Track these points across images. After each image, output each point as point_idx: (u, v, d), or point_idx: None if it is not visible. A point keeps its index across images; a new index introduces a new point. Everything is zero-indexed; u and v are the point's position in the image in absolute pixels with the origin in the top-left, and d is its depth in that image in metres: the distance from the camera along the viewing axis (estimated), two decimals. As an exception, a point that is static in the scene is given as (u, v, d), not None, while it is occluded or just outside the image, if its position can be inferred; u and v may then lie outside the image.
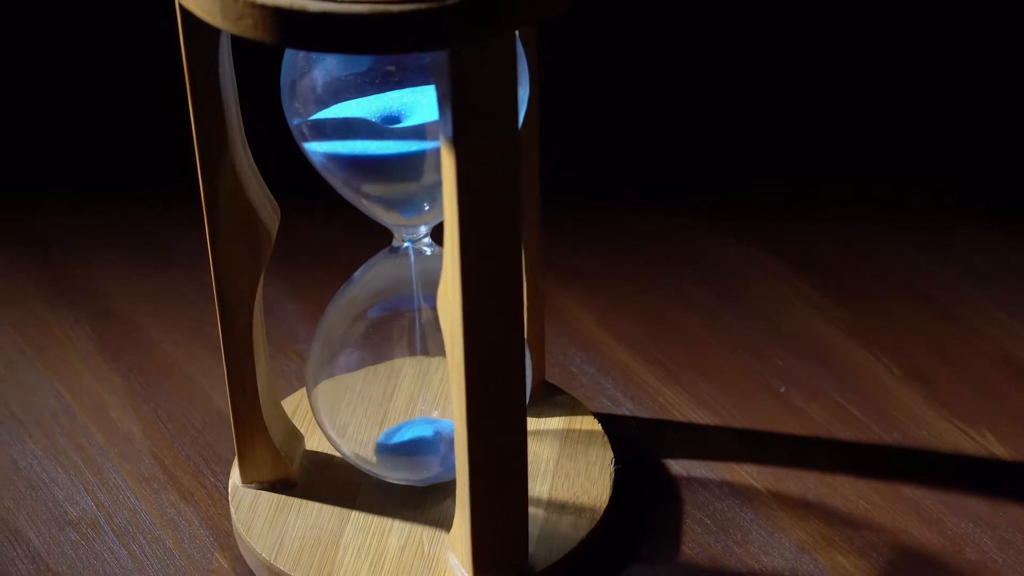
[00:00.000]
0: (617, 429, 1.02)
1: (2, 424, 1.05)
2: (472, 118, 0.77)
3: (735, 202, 1.23)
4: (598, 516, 0.94)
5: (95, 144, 1.30)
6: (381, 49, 0.75)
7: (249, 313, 0.90)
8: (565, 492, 0.96)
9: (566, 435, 1.00)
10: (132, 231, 1.21)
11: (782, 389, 1.05)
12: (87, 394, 1.07)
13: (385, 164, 0.84)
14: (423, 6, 0.73)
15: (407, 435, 0.95)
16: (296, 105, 0.84)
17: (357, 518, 0.95)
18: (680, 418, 1.04)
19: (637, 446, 1.02)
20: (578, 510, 0.95)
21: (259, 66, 0.93)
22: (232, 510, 0.96)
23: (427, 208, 0.88)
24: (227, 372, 0.93)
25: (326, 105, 0.83)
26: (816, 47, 1.40)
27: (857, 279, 1.15)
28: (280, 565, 0.92)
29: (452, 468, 0.94)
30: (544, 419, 1.01)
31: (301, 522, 0.95)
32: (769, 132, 1.30)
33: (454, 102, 0.76)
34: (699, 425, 1.03)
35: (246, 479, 0.97)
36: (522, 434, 0.87)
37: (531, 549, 0.92)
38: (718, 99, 1.34)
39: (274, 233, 0.89)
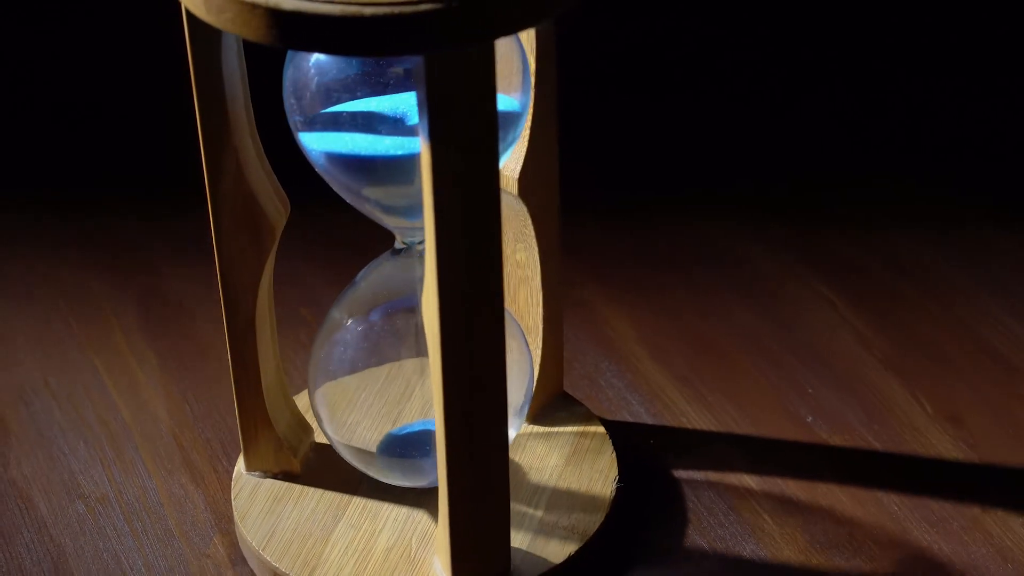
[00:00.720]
0: (631, 445, 1.01)
1: (36, 395, 1.07)
2: (448, 125, 0.77)
3: (783, 212, 1.22)
4: (590, 533, 0.93)
5: (161, 137, 1.32)
6: (352, 51, 0.75)
7: (252, 304, 0.91)
8: (562, 505, 0.95)
9: (575, 447, 0.99)
10: (193, 218, 1.23)
11: (809, 419, 1.03)
12: (122, 371, 1.09)
13: (383, 165, 0.84)
14: (394, 10, 0.73)
15: (408, 438, 0.95)
16: (293, 102, 0.84)
17: (352, 514, 0.95)
18: (698, 440, 1.02)
19: (648, 463, 1.00)
20: (571, 526, 0.94)
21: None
22: (232, 496, 0.97)
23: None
24: (231, 361, 0.93)
25: (323, 104, 0.83)
26: (854, 48, 1.37)
27: (905, 310, 1.12)
28: (267, 555, 0.93)
29: None
30: (557, 427, 1.00)
31: (297, 514, 0.95)
32: (815, 141, 1.28)
33: (430, 109, 0.76)
34: (715, 447, 1.02)
35: (250, 467, 0.98)
36: (503, 448, 0.86)
37: (517, 561, 0.91)
38: (752, 101, 1.32)
39: (279, 227, 0.89)
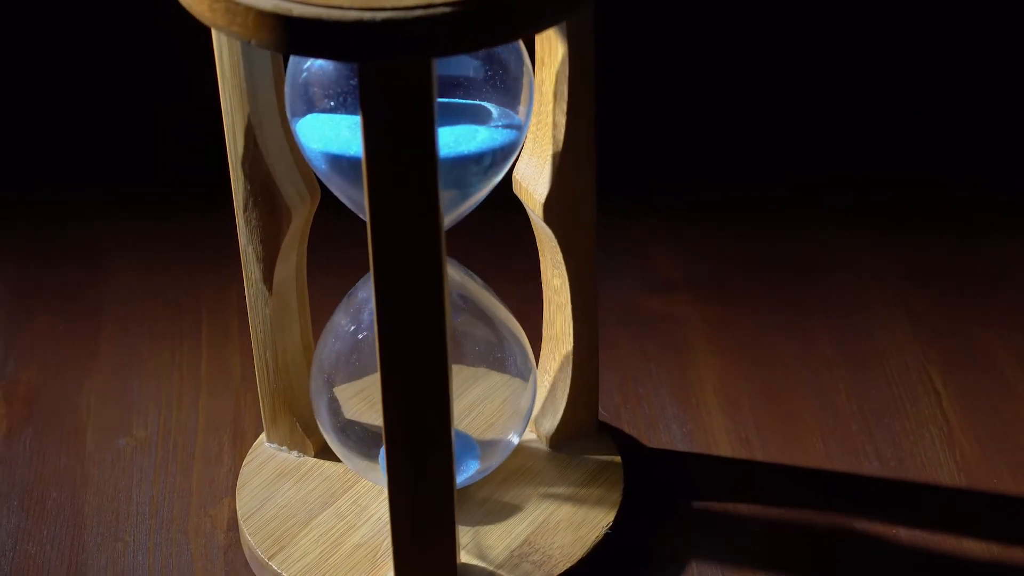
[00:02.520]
0: (648, 490, 0.98)
1: (126, 332, 1.12)
2: (382, 136, 0.76)
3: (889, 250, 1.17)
4: (555, 574, 0.91)
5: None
6: (283, 48, 0.75)
7: (269, 279, 0.93)
8: (544, 538, 0.93)
9: (587, 482, 0.97)
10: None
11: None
12: (221, 321, 1.12)
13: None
14: (322, 14, 0.73)
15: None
16: (288, 102, 0.85)
17: (342, 504, 0.96)
18: (725, 495, 0.98)
19: (657, 512, 0.97)
20: (541, 561, 0.92)
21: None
22: (244, 463, 0.99)
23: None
24: (253, 341, 0.95)
25: (315, 106, 0.84)
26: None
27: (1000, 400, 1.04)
28: (245, 527, 0.95)
29: (457, 478, 0.93)
30: (579, 456, 0.98)
31: (292, 493, 0.97)
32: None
33: (363, 117, 0.76)
34: (733, 513, 0.98)
35: (270, 439, 1.00)
36: (448, 494, 0.85)
37: (473, 583, 0.91)
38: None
39: (298, 212, 0.91)
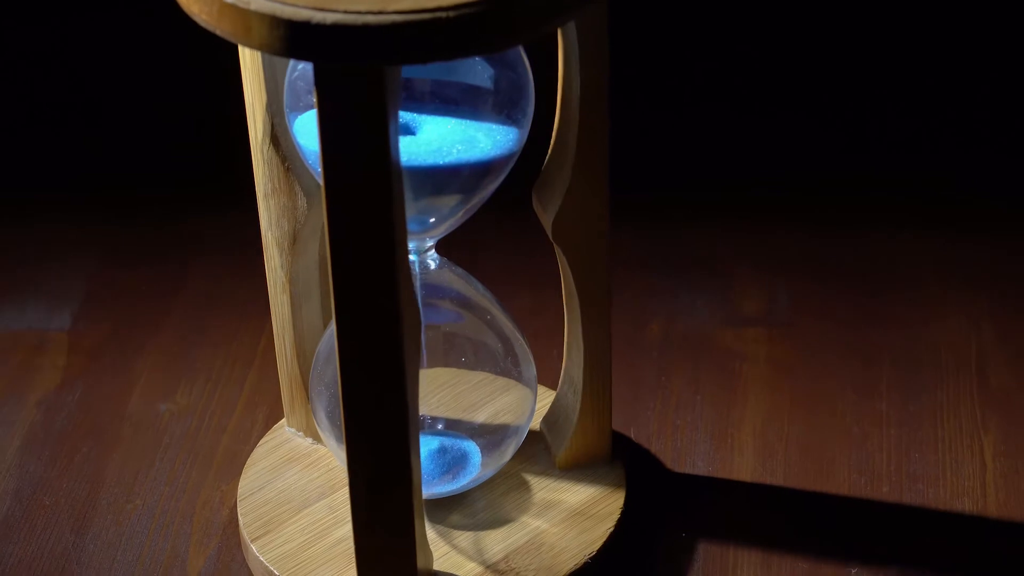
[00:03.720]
0: (647, 523, 0.96)
1: (201, 302, 1.15)
2: (337, 140, 0.76)
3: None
4: (521, 596, 0.90)
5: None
6: (243, 40, 0.75)
7: (285, 268, 0.93)
8: (523, 559, 0.92)
9: (585, 507, 0.95)
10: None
11: (853, 571, 0.94)
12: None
13: None
14: (276, 9, 0.73)
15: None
16: (286, 99, 0.86)
17: (338, 497, 0.96)
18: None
19: (649, 548, 0.95)
20: (511, 584, 0.91)
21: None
22: (259, 444, 1.00)
23: (432, 221, 0.87)
24: (273, 326, 0.97)
25: (306, 104, 0.84)
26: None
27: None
28: (239, 507, 0.96)
29: (455, 483, 0.94)
30: (578, 483, 0.96)
31: (295, 479, 0.97)
32: None
33: (319, 119, 0.76)
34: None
35: (290, 423, 1.01)
36: (406, 482, 0.85)
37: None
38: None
39: (314, 203, 0.91)
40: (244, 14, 0.74)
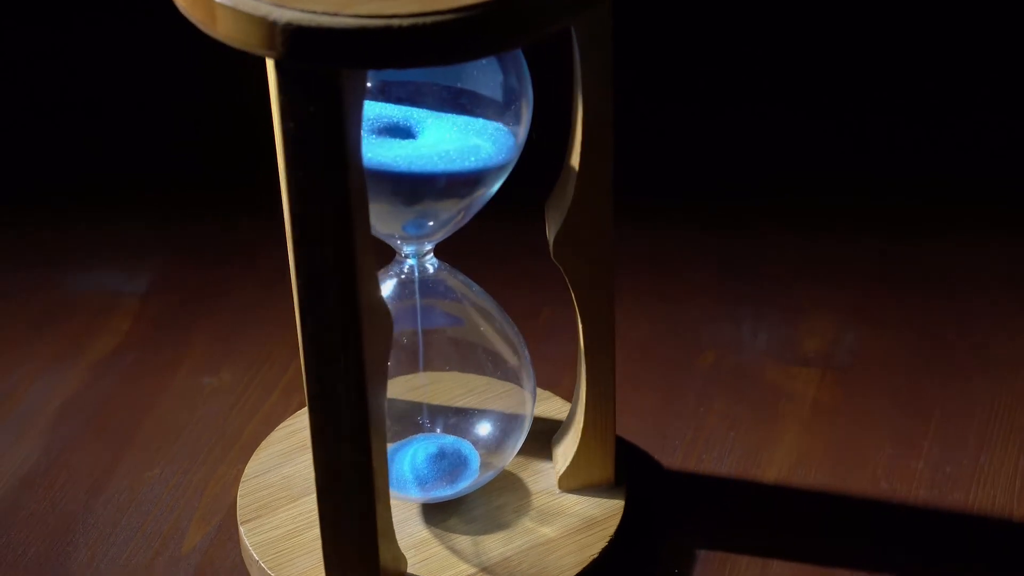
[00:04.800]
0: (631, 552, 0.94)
1: (266, 281, 1.16)
2: (296, 139, 0.76)
3: None
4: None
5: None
6: (211, 30, 0.76)
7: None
8: (517, 566, 0.92)
9: (583, 512, 0.94)
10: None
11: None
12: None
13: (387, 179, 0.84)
14: (238, 3, 0.74)
15: (409, 453, 0.95)
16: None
17: (337, 490, 0.97)
18: None
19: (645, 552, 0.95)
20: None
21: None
22: (279, 427, 1.01)
23: (431, 224, 0.87)
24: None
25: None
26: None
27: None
28: (240, 488, 0.97)
29: (455, 486, 0.94)
30: (574, 507, 0.95)
31: (301, 467, 0.98)
32: None
33: (279, 115, 0.76)
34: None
35: (309, 412, 1.02)
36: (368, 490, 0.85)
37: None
38: None
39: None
40: (210, 4, 0.75)
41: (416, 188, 0.84)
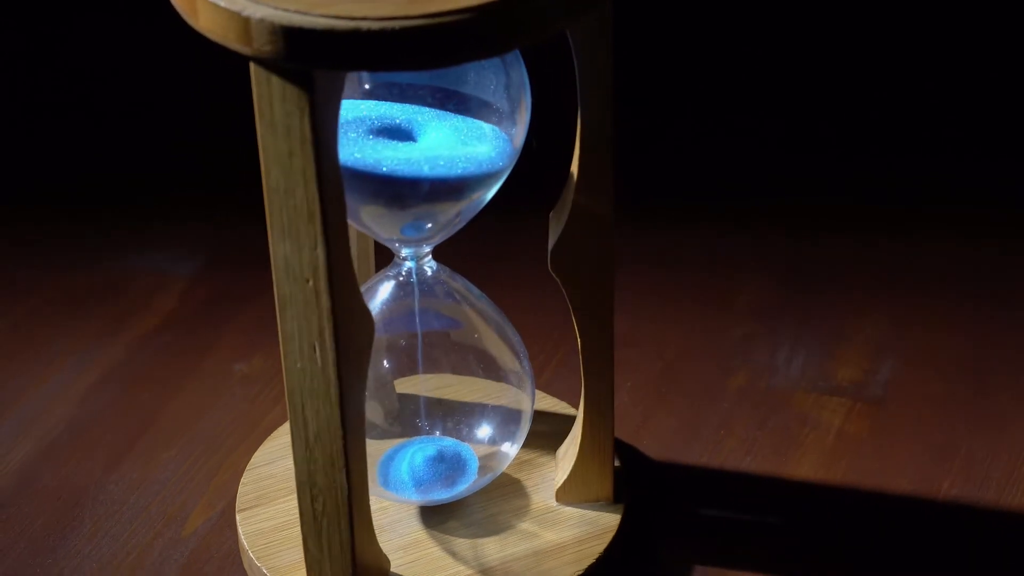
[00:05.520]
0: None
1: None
2: (270, 135, 0.77)
3: None
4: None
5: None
6: (196, 24, 0.76)
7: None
8: (516, 569, 0.91)
9: (583, 516, 0.94)
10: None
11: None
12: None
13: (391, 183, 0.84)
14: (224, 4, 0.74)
15: (407, 455, 0.95)
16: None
17: (338, 486, 0.97)
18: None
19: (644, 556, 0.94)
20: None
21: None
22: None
23: (429, 227, 0.87)
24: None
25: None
26: None
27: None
28: (244, 476, 0.98)
29: (452, 489, 0.94)
30: (568, 520, 0.94)
31: (306, 459, 0.99)
32: None
33: (257, 115, 0.77)
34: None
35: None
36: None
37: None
38: None
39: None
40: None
41: (408, 191, 0.83)
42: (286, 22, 0.73)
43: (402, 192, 0.83)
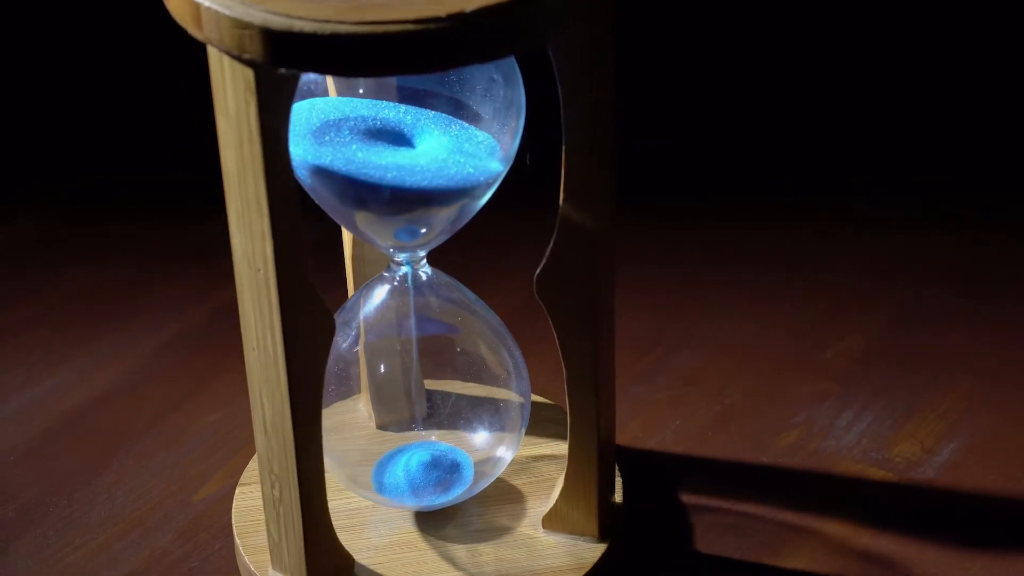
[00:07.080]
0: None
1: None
2: (223, 123, 0.78)
3: None
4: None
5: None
6: (176, 16, 0.78)
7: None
8: (513, 574, 0.91)
9: (568, 552, 0.93)
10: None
11: None
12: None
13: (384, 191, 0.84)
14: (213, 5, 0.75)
15: (402, 460, 0.95)
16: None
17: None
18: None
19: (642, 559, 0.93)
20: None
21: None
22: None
23: (424, 232, 0.86)
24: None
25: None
26: None
27: None
28: (246, 469, 0.99)
29: (448, 495, 0.94)
30: (551, 547, 0.93)
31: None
32: None
33: (214, 97, 0.78)
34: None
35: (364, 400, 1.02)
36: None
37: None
38: None
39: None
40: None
41: (402, 198, 0.83)
42: (226, 11, 0.73)
43: (392, 198, 0.83)
